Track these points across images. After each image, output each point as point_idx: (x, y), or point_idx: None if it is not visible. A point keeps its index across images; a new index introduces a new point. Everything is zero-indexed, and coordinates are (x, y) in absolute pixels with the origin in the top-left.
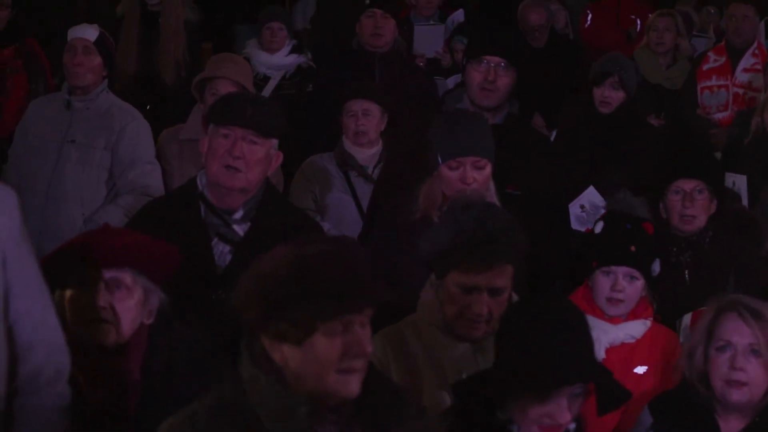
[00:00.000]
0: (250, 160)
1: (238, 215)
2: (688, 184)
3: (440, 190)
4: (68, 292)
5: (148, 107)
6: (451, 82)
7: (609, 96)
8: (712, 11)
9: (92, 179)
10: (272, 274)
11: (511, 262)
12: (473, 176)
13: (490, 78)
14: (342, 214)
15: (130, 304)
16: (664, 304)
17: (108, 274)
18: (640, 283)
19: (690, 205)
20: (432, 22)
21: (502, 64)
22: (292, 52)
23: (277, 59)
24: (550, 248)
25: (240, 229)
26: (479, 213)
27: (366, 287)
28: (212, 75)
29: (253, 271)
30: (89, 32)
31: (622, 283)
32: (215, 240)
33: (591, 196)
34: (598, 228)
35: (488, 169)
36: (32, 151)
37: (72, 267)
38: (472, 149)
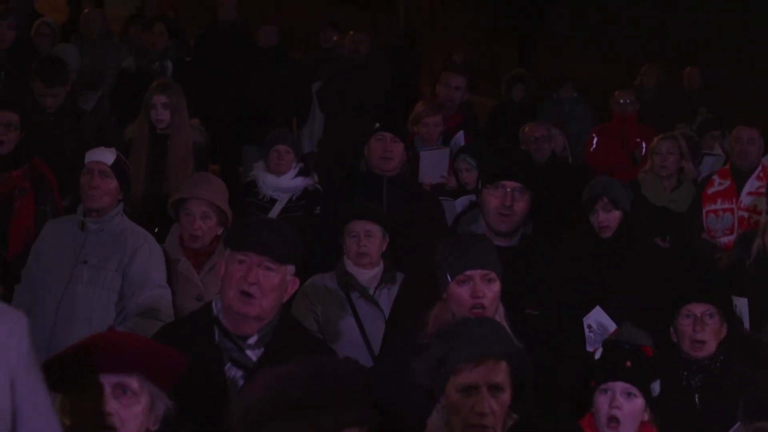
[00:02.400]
0: (265, 286)
1: (252, 340)
2: (698, 308)
3: (450, 312)
4: (72, 397)
5: (156, 230)
6: (460, 204)
7: (605, 219)
8: (716, 133)
9: (102, 300)
10: (249, 395)
11: (505, 359)
12: (483, 290)
13: (507, 203)
14: (344, 335)
15: (136, 410)
16: (674, 428)
17: (115, 379)
18: (639, 401)
19: (701, 330)
20: (436, 146)
21: (519, 188)
22: (298, 174)
23: (284, 182)
24: (568, 367)
25: (253, 355)
26: (467, 320)
27: (343, 406)
28: (187, 196)
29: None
30: (106, 156)
31: (620, 400)
32: (228, 365)
33: (598, 315)
34: (598, 354)
35: (497, 286)
36: (45, 271)
37: (77, 371)
38: (480, 263)
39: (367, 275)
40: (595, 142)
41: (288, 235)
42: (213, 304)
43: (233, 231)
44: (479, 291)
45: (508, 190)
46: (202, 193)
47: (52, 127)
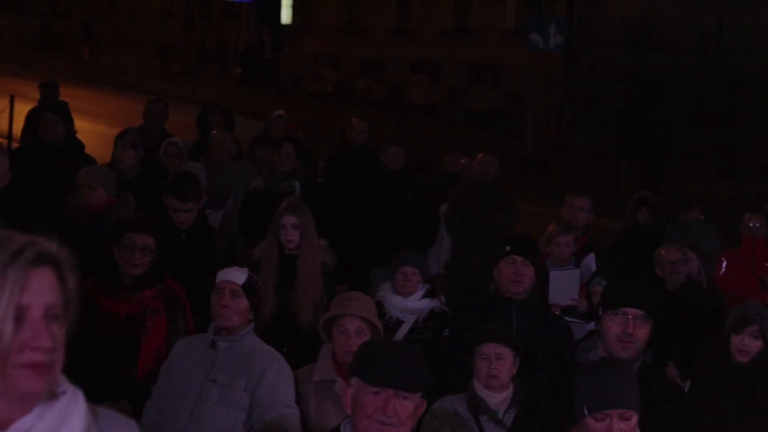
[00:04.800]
0: (402, 415)
1: None
2: None
3: None
4: None
5: (284, 349)
6: (593, 326)
7: (748, 345)
8: None
9: (231, 419)
10: None
11: None
12: (620, 428)
13: (629, 330)
14: None
15: None
16: None
17: None
18: None
19: None
20: (567, 267)
21: (641, 315)
22: (425, 296)
23: (411, 303)
24: None
25: None
26: None
27: None
28: (340, 313)
29: None
30: (238, 276)
31: None
32: None
33: None
34: None
35: (634, 420)
36: (174, 389)
37: None
38: (618, 401)
39: (497, 398)
40: (724, 266)
41: (418, 363)
42: (342, 429)
43: (362, 362)
44: (615, 430)
45: (630, 317)
46: (355, 309)
47: (184, 247)
